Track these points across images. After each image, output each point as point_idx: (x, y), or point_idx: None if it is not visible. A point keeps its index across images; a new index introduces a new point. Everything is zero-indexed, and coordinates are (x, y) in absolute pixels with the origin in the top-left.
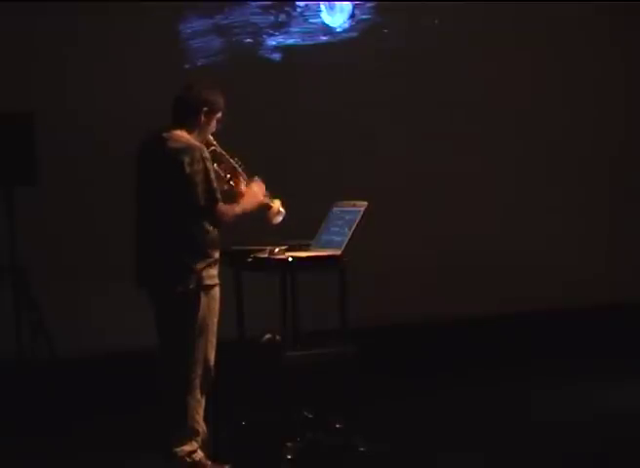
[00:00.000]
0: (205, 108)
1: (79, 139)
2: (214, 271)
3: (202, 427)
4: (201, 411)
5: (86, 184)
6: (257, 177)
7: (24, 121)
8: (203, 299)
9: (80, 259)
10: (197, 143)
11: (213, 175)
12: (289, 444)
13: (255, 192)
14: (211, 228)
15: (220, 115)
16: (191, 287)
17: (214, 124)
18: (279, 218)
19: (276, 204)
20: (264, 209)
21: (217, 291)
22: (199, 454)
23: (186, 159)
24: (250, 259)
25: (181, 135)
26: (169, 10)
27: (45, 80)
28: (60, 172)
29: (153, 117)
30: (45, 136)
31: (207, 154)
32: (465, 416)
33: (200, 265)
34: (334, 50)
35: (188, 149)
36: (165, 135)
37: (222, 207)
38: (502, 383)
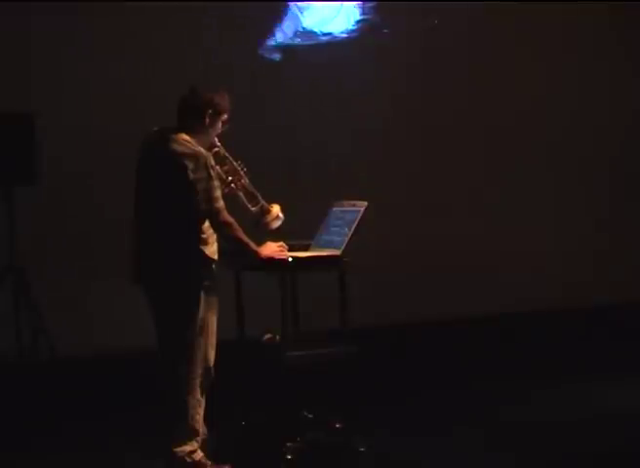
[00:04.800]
0: (210, 110)
1: (79, 139)
2: (213, 271)
3: (202, 427)
4: (201, 411)
5: (86, 184)
6: (276, 205)
7: (24, 121)
8: (202, 299)
9: (80, 259)
10: (203, 150)
11: (216, 183)
12: (289, 444)
13: (272, 248)
14: (209, 230)
15: (225, 117)
16: (191, 287)
17: (219, 126)
18: (277, 223)
19: (275, 209)
20: (263, 213)
21: (216, 291)
22: (199, 454)
23: (190, 165)
24: (250, 259)
25: (187, 138)
26: (169, 10)
27: (45, 80)
28: (60, 172)
29: (154, 117)
30: (45, 136)
31: (212, 162)
32: (465, 416)
33: (199, 265)
34: (334, 50)
35: (194, 155)
36: (170, 136)
37: (227, 218)
38: (502, 383)
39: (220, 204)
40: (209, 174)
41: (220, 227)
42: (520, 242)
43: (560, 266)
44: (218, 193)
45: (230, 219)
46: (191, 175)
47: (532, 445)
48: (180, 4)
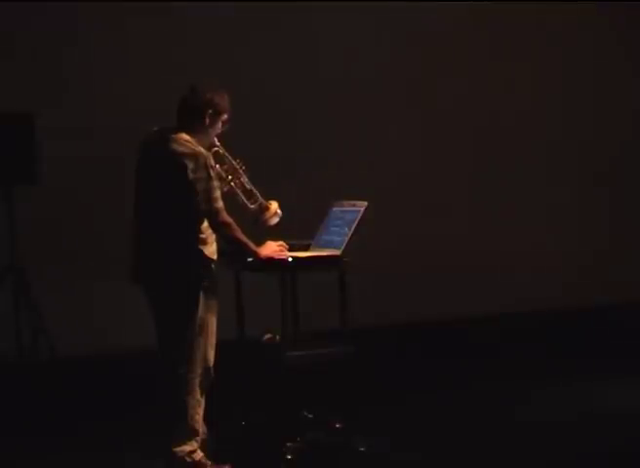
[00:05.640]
0: (210, 111)
1: (79, 139)
2: (212, 271)
3: (202, 427)
4: (201, 411)
5: (86, 184)
6: (274, 202)
7: (24, 121)
8: (202, 299)
9: (80, 259)
10: (203, 150)
11: (215, 184)
12: (289, 444)
13: (272, 248)
14: (209, 230)
15: (225, 117)
16: (190, 286)
17: (219, 125)
18: (275, 220)
19: (273, 206)
20: (262, 210)
21: (215, 291)
22: (199, 454)
23: (190, 165)
24: (250, 259)
25: (187, 138)
26: (169, 9)
27: (45, 80)
28: (60, 172)
29: (153, 117)
30: (45, 136)
31: (212, 162)
32: (465, 416)
33: (198, 265)
34: (334, 50)
35: (194, 155)
36: (170, 136)
37: (226, 219)
38: (502, 383)
39: (220, 204)
40: (209, 174)
41: (218, 227)
42: (520, 242)
43: (560, 266)
44: (217, 193)
45: (229, 220)
46: (191, 175)
47: (532, 445)
48: (180, 4)
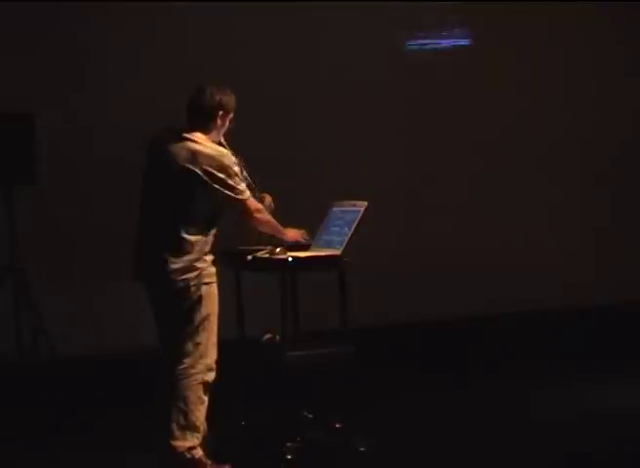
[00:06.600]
0: (221, 112)
1: (79, 139)
2: (212, 269)
3: (203, 425)
4: (202, 409)
5: (86, 184)
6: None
7: (24, 121)
8: (203, 296)
9: (80, 259)
10: (225, 149)
11: (239, 178)
12: (289, 444)
13: (296, 233)
14: (212, 231)
15: (232, 115)
16: (191, 283)
17: (227, 124)
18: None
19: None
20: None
21: (215, 289)
22: (199, 452)
23: (215, 163)
24: (250, 259)
25: (204, 137)
26: (170, 9)
27: (45, 80)
28: (60, 172)
29: (153, 117)
30: (45, 136)
31: (234, 159)
32: (464, 416)
33: (199, 263)
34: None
35: (219, 154)
36: (187, 135)
37: (257, 205)
38: (502, 383)
39: (248, 194)
40: (234, 170)
41: (253, 216)
42: (520, 242)
43: (560, 266)
44: (244, 186)
45: (259, 205)
46: (219, 174)
47: (532, 445)
48: (180, 3)
